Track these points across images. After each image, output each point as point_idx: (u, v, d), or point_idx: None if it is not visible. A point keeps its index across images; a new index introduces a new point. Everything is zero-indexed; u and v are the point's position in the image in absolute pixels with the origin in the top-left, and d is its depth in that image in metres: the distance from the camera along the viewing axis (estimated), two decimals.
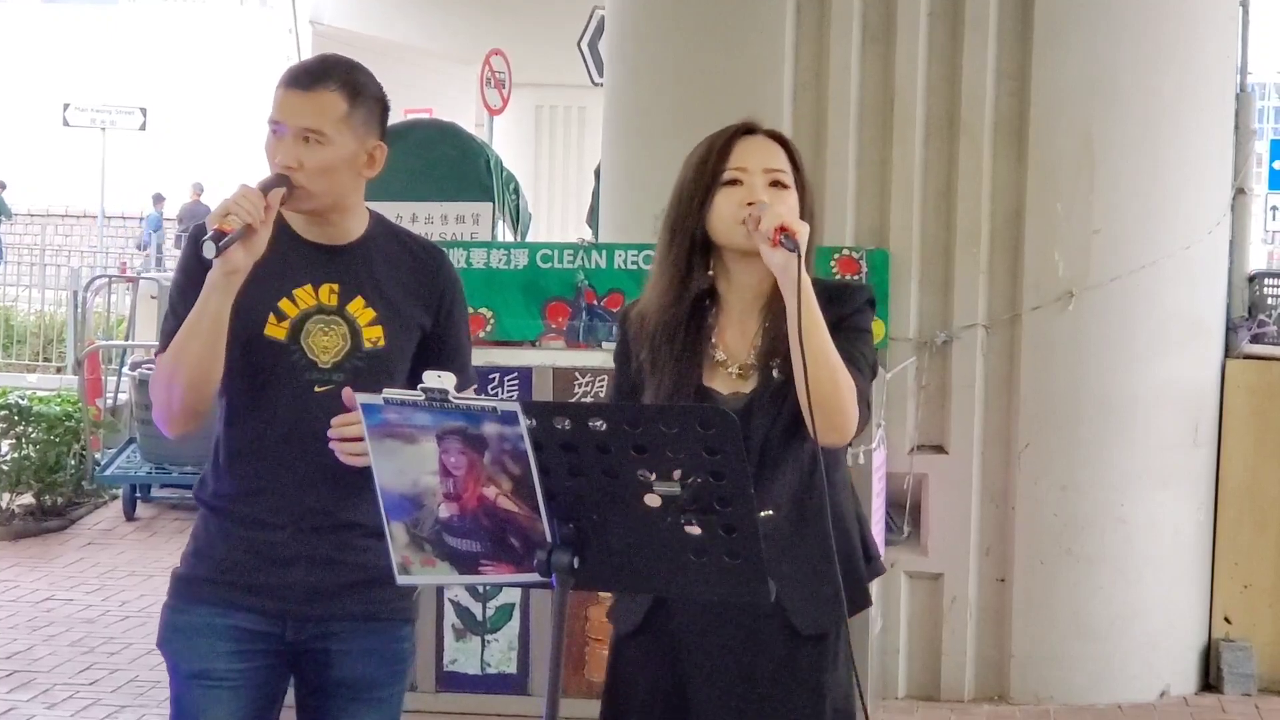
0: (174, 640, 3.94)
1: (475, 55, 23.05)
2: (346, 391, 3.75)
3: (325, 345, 3.89)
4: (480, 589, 7.18)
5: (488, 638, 7.39)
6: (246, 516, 3.89)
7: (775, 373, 3.74)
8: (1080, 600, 7.69)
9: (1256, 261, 19.03)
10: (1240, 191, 8.06)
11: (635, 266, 7.45)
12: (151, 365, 11.98)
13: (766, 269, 3.69)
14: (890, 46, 7.79)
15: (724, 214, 3.75)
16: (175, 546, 10.81)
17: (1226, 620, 8.02)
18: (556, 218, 26.22)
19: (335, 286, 3.90)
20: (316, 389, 3.87)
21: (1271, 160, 28.85)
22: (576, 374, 7.25)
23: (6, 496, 11.42)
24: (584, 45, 19.40)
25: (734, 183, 3.75)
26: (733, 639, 3.80)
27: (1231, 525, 8.01)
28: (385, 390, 3.22)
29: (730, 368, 3.82)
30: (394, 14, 31.04)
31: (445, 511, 3.26)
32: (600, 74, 19.40)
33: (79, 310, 13.76)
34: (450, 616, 7.36)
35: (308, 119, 3.83)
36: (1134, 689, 7.78)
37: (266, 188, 3.75)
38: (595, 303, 7.49)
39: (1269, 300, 8.23)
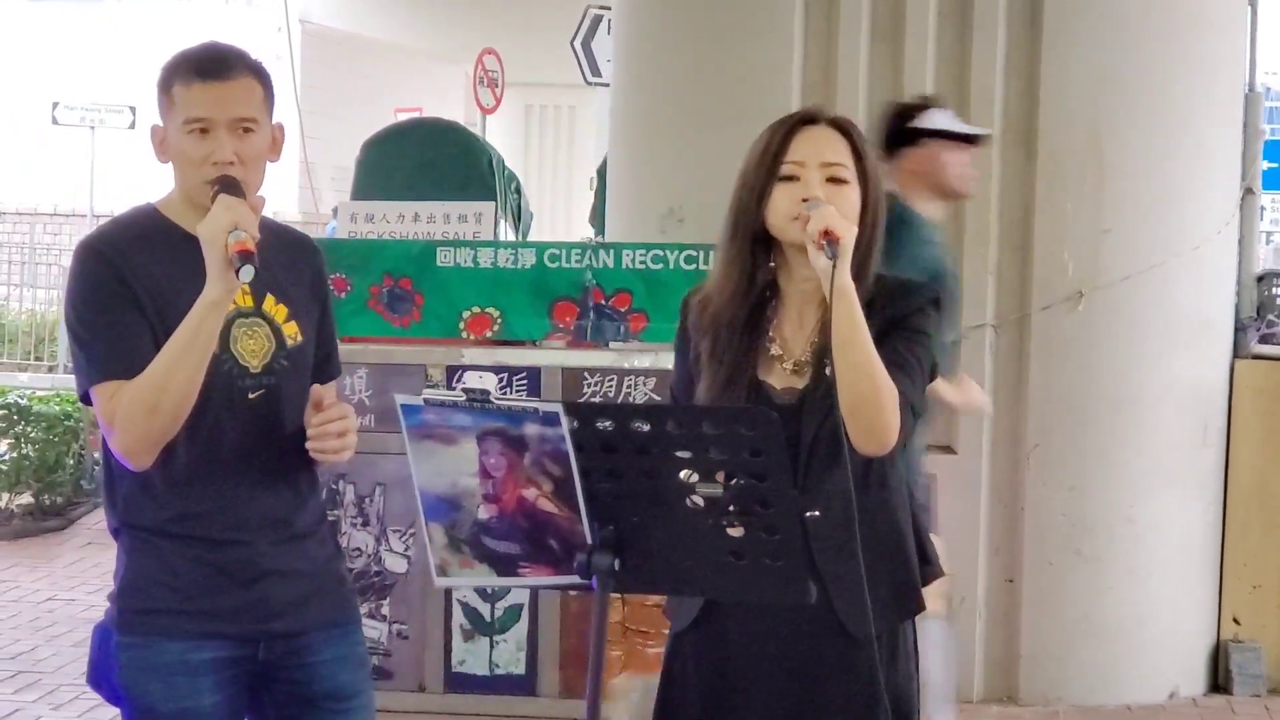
0: (146, 679, 3.68)
1: (464, 54, 23.03)
2: (316, 389, 3.72)
3: (252, 349, 3.73)
4: (488, 589, 7.15)
5: (496, 638, 7.36)
6: (206, 537, 3.69)
7: (828, 370, 3.61)
8: (1089, 601, 7.67)
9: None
10: (1249, 191, 8.05)
11: (643, 266, 7.41)
12: None
13: (819, 279, 3.59)
14: (899, 46, 7.77)
15: (779, 210, 3.64)
16: None
17: (1235, 621, 8.01)
18: (545, 217, 26.14)
19: (246, 287, 3.64)
20: (250, 395, 3.72)
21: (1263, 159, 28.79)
22: (585, 374, 7.22)
23: (5, 496, 11.39)
24: (577, 44, 19.34)
25: (791, 178, 3.63)
26: (783, 639, 3.74)
27: (1240, 526, 8.00)
28: (425, 391, 3.20)
29: (786, 363, 3.75)
30: (383, 13, 31.00)
31: (484, 513, 3.23)
32: (594, 73, 19.42)
33: None
34: (458, 617, 7.34)
35: (238, 108, 3.65)
36: (1143, 690, 7.76)
37: (232, 194, 3.57)
38: (603, 302, 7.45)
39: (1278, 300, 8.20)
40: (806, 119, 3.70)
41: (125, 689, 3.70)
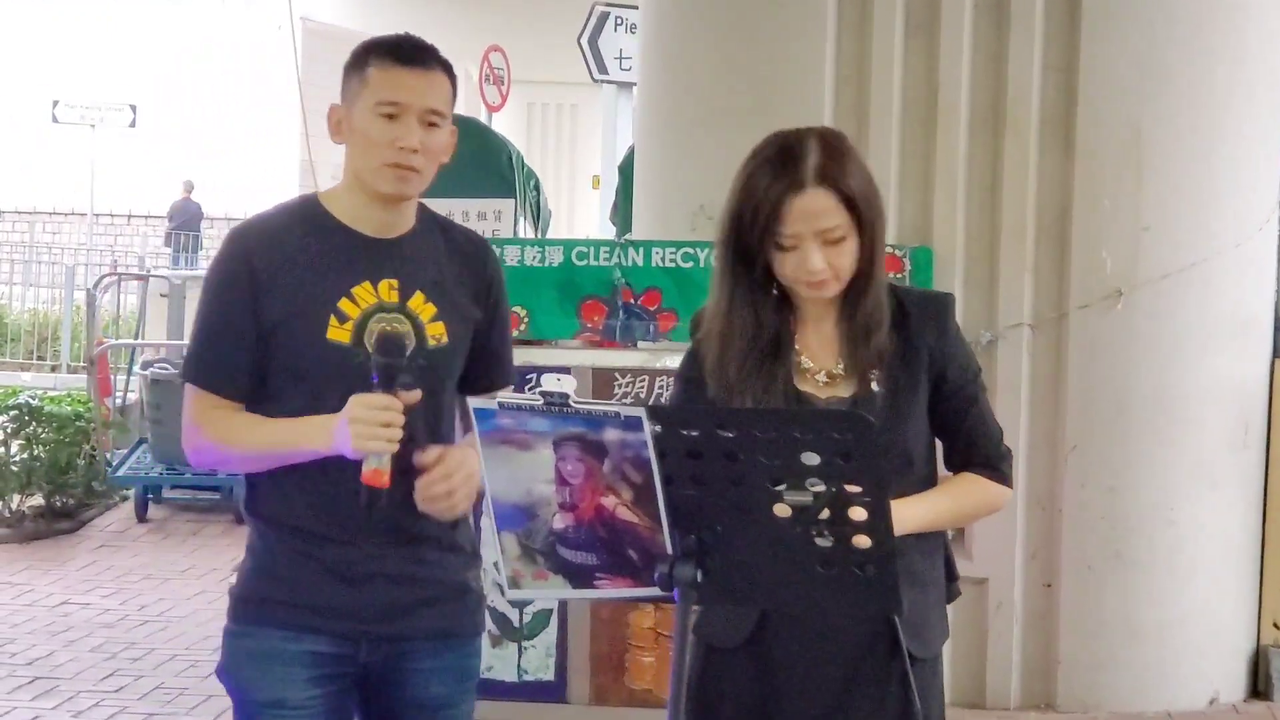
0: (244, 668, 3.70)
1: (466, 52, 22.92)
2: (418, 456, 3.58)
3: None
4: None
5: (524, 644, 7.21)
6: (316, 533, 3.65)
7: (874, 384, 3.60)
8: (1129, 605, 7.53)
9: None
10: None
11: (673, 264, 7.27)
12: (164, 365, 11.87)
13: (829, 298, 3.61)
14: (934, 39, 7.62)
15: (784, 274, 3.56)
16: (189, 549, 10.71)
17: (1276, 625, 7.87)
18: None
19: (394, 282, 3.65)
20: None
21: None
22: (616, 374, 7.08)
23: (17, 498, 11.24)
24: (584, 41, 19.27)
25: (792, 248, 3.52)
26: (836, 660, 3.62)
27: None
28: (500, 394, 3.06)
29: (819, 374, 3.64)
30: (385, 10, 30.85)
31: (560, 522, 3.10)
32: (601, 70, 19.34)
33: (89, 308, 13.53)
34: (486, 623, 7.18)
35: (430, 99, 3.62)
36: (1183, 696, 7.62)
37: (390, 385, 3.52)
38: (632, 300, 7.31)
39: None
40: (796, 185, 3.50)
41: (226, 675, 3.74)
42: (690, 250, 7.26)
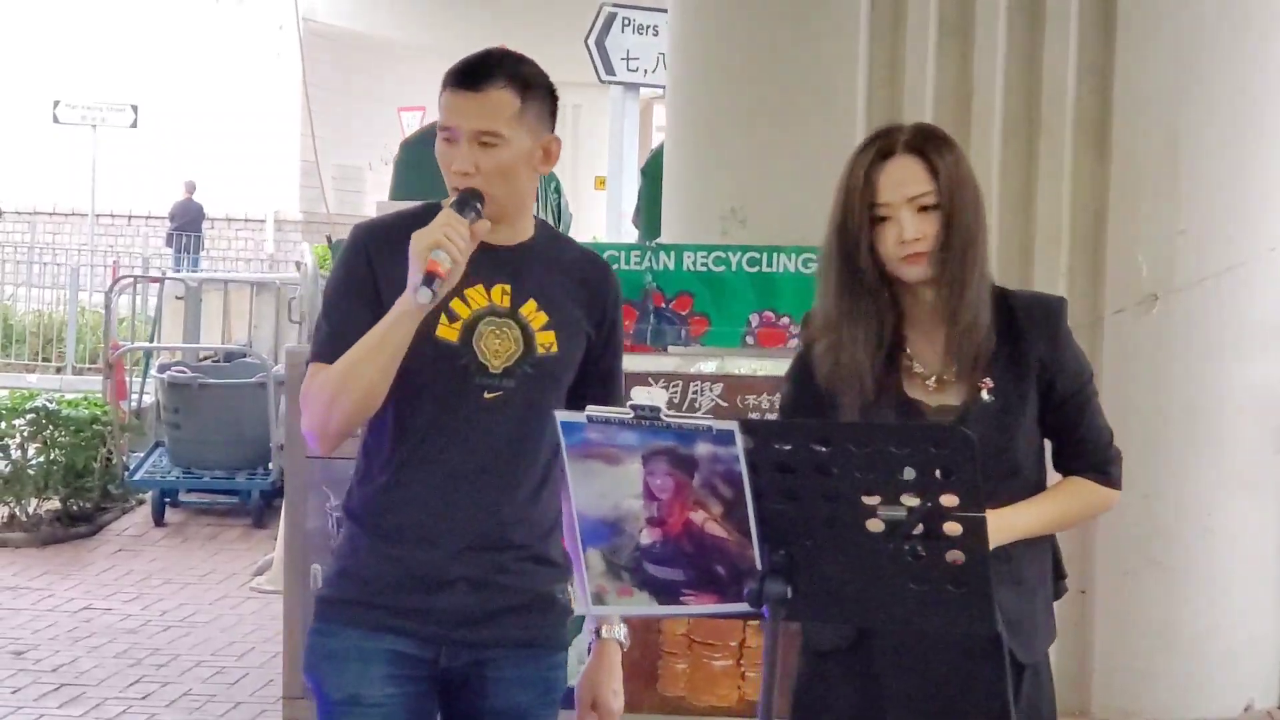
0: (322, 667, 3.73)
1: (466, 53, 22.84)
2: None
3: (497, 349, 3.68)
4: None
5: None
6: (401, 533, 3.67)
7: (985, 394, 3.62)
8: (1165, 612, 7.47)
9: None
10: None
11: (704, 268, 7.22)
12: (181, 369, 11.82)
13: (933, 293, 3.67)
14: (968, 41, 7.55)
15: (885, 250, 3.64)
16: (208, 553, 10.66)
17: None
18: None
19: (507, 288, 3.70)
20: (486, 395, 3.67)
21: None
22: (650, 379, 7.02)
23: (34, 501, 11.17)
24: (591, 42, 19.18)
25: (885, 218, 3.62)
26: (942, 666, 3.63)
27: None
28: (589, 408, 3.01)
29: (929, 379, 3.67)
30: (386, 11, 30.87)
31: (647, 537, 3.06)
32: (608, 71, 19.24)
33: (106, 311, 13.48)
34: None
35: (481, 121, 3.65)
36: (1218, 703, 7.56)
37: (463, 210, 3.57)
38: (663, 305, 7.25)
39: None
40: (885, 151, 3.64)
41: (308, 673, 3.76)
42: (722, 254, 7.21)
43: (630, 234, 16.70)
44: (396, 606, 3.66)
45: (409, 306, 3.50)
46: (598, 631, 3.85)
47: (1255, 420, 7.55)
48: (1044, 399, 3.69)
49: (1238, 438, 7.51)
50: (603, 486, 3.03)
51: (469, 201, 3.60)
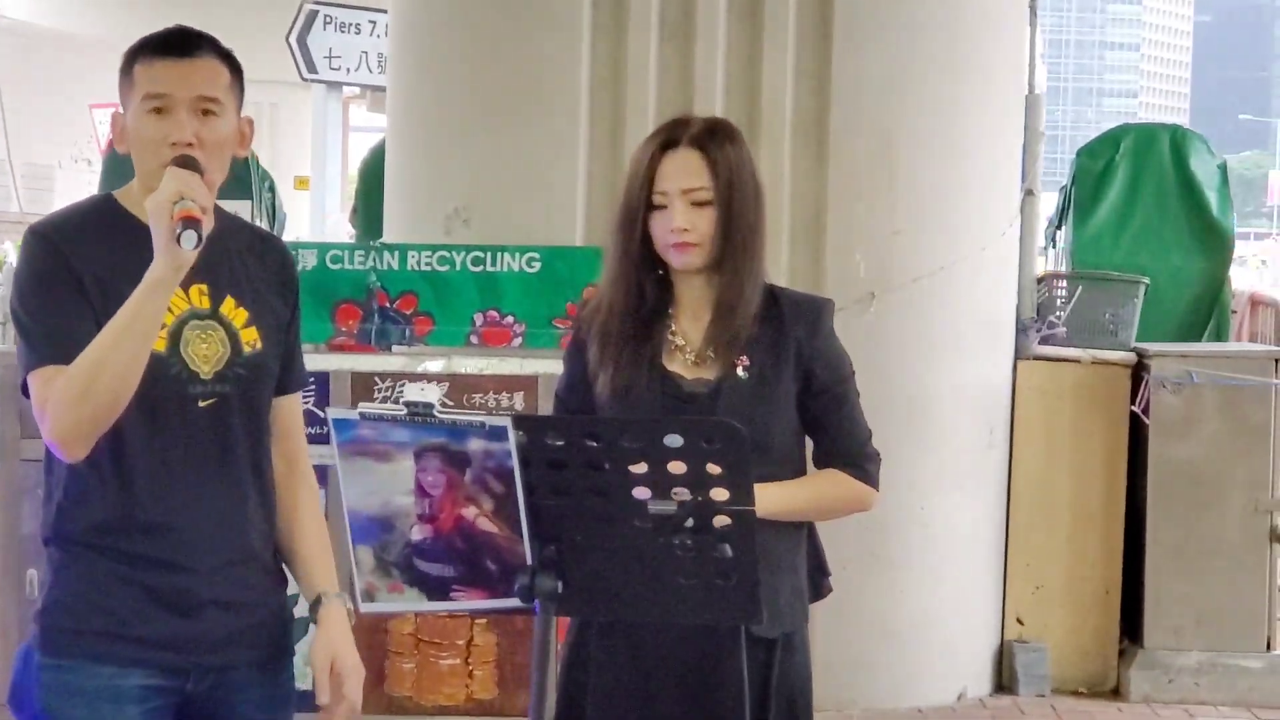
0: (70, 705, 3.44)
1: None
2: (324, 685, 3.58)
3: (205, 354, 3.47)
4: None
5: None
6: (144, 556, 3.44)
7: (740, 370, 3.76)
8: (883, 605, 7.65)
9: None
10: (1029, 193, 8.12)
11: (429, 267, 7.20)
12: None
13: (705, 279, 3.81)
14: (689, 44, 7.63)
15: (656, 236, 3.79)
16: None
17: (1019, 621, 8.07)
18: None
19: (204, 287, 3.47)
20: (200, 403, 3.46)
21: None
22: (376, 379, 6.99)
23: None
24: (292, 40, 18.98)
25: (661, 206, 3.76)
26: (691, 641, 3.70)
27: (1023, 527, 8.07)
28: (361, 405, 2.99)
29: (689, 353, 3.80)
30: (75, 5, 30.20)
31: (418, 534, 3.05)
32: (310, 69, 19.06)
33: None
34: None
35: (201, 86, 3.43)
36: (933, 692, 7.78)
37: (187, 167, 3.32)
38: (387, 305, 7.22)
39: (1058, 301, 8.28)
40: (669, 142, 3.79)
41: (47, 713, 3.46)
42: (446, 253, 7.19)
43: (335, 233, 16.61)
44: (147, 638, 3.45)
45: (163, 272, 3.26)
46: (318, 600, 3.63)
47: (969, 416, 7.77)
48: (803, 386, 3.82)
49: (950, 433, 7.72)
50: (373, 483, 3.02)
51: (189, 162, 3.34)
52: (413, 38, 8.19)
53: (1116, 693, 8.04)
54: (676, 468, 2.95)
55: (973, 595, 7.89)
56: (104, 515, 3.45)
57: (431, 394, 2.92)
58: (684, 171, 3.75)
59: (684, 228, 3.72)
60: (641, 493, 2.97)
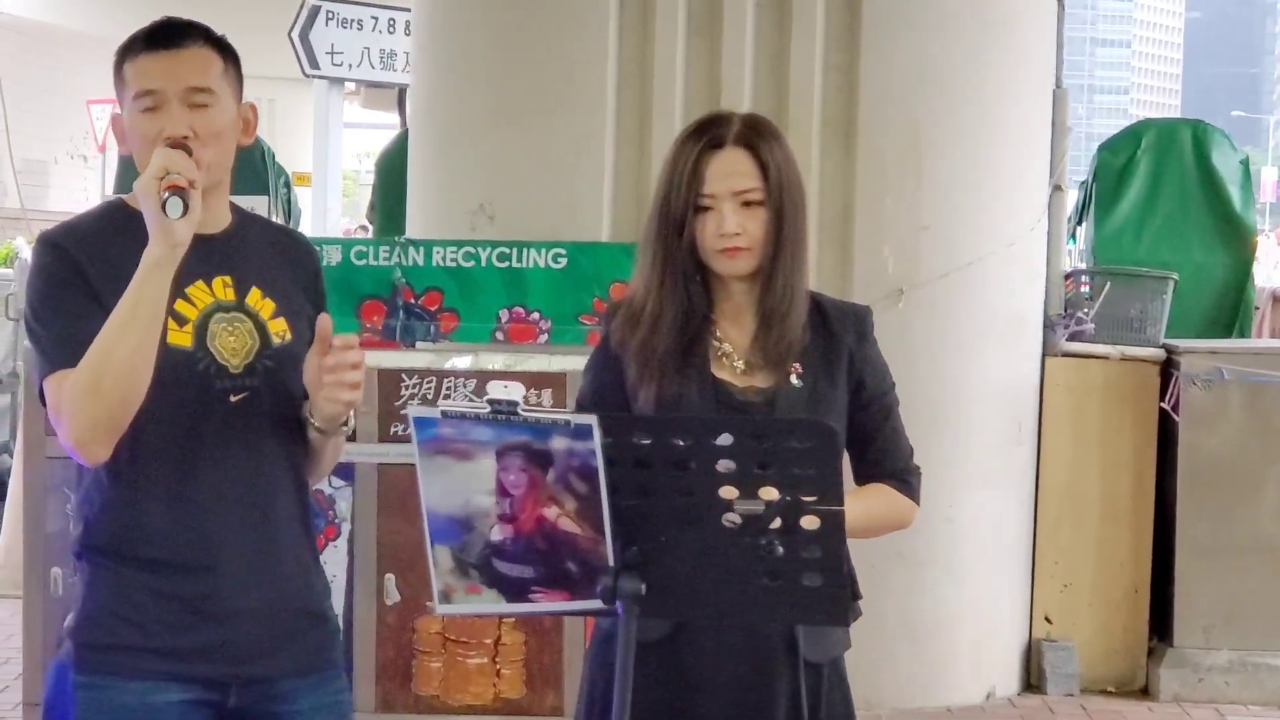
0: None
1: None
2: (322, 320, 3.37)
3: (233, 347, 3.40)
4: None
5: None
6: (172, 563, 3.35)
7: (794, 379, 3.64)
8: (910, 603, 7.59)
9: None
10: (1057, 188, 8.07)
11: (454, 263, 7.16)
12: None
13: (748, 284, 3.67)
14: (716, 40, 7.59)
15: (704, 240, 3.61)
16: None
17: (1047, 620, 8.02)
18: None
19: (228, 279, 3.41)
20: (231, 398, 3.38)
21: None
22: (403, 375, 6.94)
23: None
24: (295, 36, 18.92)
25: (708, 209, 3.60)
26: (743, 663, 3.60)
27: (1051, 524, 8.02)
28: (442, 403, 2.92)
29: (737, 361, 3.67)
30: (73, 1, 30.11)
31: (498, 534, 2.98)
32: (312, 65, 18.99)
33: None
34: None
35: (191, 78, 3.34)
36: (961, 691, 7.73)
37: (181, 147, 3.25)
38: (413, 300, 7.17)
39: (1085, 297, 8.24)
40: (715, 142, 3.62)
41: None
42: (472, 249, 7.14)
43: (335, 230, 16.56)
44: (179, 649, 3.35)
45: (159, 250, 3.18)
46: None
47: (995, 412, 7.72)
48: (854, 396, 3.71)
49: (978, 429, 7.67)
50: (453, 483, 2.95)
51: (181, 145, 3.27)
52: (438, 32, 8.13)
53: (1145, 692, 8.00)
54: (763, 469, 2.89)
55: (1000, 594, 7.84)
56: (126, 522, 3.38)
57: (515, 392, 2.85)
58: (734, 172, 3.60)
59: (736, 231, 3.57)
60: (728, 493, 2.91)
